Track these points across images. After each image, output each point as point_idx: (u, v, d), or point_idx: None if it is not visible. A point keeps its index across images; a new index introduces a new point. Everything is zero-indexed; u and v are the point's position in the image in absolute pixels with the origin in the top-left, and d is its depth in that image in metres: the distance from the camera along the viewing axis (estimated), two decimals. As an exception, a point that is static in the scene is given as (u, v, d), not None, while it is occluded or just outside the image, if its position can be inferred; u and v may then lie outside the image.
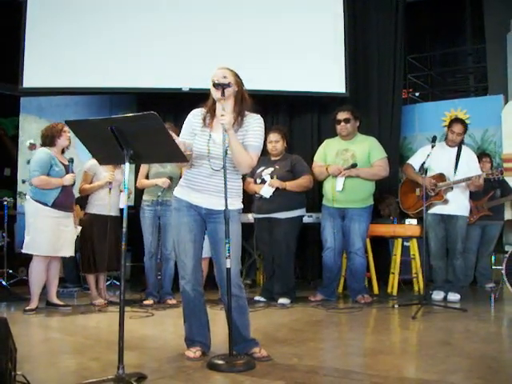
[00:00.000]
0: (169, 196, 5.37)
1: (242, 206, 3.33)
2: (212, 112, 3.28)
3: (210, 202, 3.17)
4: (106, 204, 5.31)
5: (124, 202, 2.91)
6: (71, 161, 5.06)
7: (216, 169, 3.14)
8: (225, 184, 3.04)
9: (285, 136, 5.62)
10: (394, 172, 6.36)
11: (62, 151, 5.13)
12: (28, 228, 4.94)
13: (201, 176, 3.21)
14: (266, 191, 5.37)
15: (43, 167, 4.89)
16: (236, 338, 3.14)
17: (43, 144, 5.04)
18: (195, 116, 3.31)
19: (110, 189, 5.31)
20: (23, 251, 4.99)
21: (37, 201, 4.89)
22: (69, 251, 5.07)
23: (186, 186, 3.27)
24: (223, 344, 3.19)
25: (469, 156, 5.47)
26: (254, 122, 3.26)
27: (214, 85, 3.16)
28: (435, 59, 12.63)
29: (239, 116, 3.23)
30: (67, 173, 4.97)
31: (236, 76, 3.28)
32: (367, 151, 5.45)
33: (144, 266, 5.51)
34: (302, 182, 5.47)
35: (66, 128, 4.98)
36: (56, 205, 4.90)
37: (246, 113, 3.28)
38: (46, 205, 4.87)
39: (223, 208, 3.08)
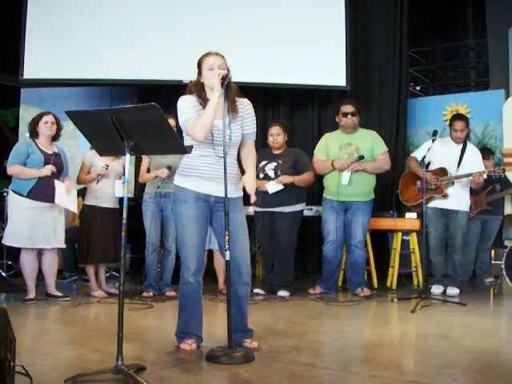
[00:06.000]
0: (170, 187, 5.34)
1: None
2: (207, 101, 3.19)
3: (220, 189, 3.07)
4: (100, 196, 5.24)
5: (123, 191, 2.89)
6: (58, 154, 4.99)
7: (221, 155, 3.09)
8: (224, 172, 3.03)
9: (286, 129, 5.61)
10: (401, 165, 6.35)
11: (53, 139, 5.03)
12: (8, 219, 4.95)
13: (207, 163, 3.18)
14: (273, 188, 5.32)
15: (18, 156, 4.85)
16: (240, 327, 3.17)
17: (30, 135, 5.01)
18: (191, 101, 3.23)
19: (98, 181, 5.21)
20: (2, 242, 4.99)
21: (14, 191, 4.87)
22: (53, 243, 4.95)
23: (193, 176, 3.19)
24: (220, 336, 3.19)
25: (473, 153, 5.47)
26: (248, 108, 3.29)
27: (224, 78, 3.08)
28: (436, 53, 12.60)
29: (233, 103, 3.20)
30: (46, 162, 4.88)
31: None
32: (371, 145, 5.45)
33: (144, 259, 5.47)
34: (308, 178, 5.46)
35: (46, 118, 4.94)
36: (32, 195, 4.83)
37: (236, 98, 3.25)
38: (21, 195, 4.84)
39: (233, 195, 3.13)
